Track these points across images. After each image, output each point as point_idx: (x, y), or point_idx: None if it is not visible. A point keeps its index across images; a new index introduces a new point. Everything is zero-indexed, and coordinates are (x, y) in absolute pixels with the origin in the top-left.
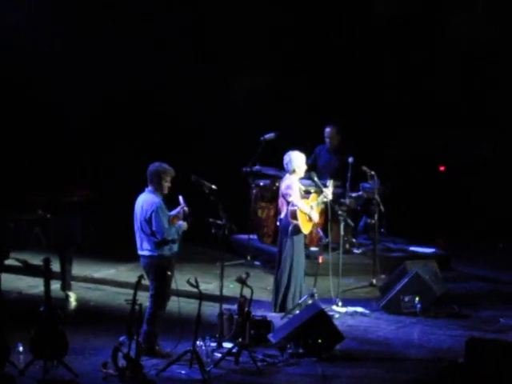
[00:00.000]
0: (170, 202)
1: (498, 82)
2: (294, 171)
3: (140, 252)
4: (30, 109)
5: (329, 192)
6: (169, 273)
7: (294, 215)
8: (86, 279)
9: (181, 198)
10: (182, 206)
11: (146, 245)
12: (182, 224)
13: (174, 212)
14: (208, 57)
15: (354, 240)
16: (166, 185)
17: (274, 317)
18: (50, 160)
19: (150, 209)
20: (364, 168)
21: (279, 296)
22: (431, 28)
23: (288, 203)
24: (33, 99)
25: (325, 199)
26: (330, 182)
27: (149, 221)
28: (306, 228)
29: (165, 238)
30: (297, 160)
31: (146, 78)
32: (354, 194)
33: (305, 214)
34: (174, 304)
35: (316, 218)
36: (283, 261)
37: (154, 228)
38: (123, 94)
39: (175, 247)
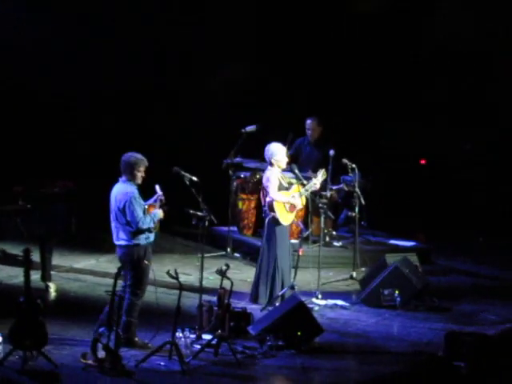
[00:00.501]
0: (146, 191)
1: (480, 77)
2: (274, 163)
3: (116, 242)
4: (11, 100)
5: (317, 182)
6: (146, 262)
7: (271, 207)
8: (66, 270)
9: (157, 186)
10: (159, 195)
11: (121, 234)
12: (158, 212)
13: (150, 201)
14: (187, 47)
15: (334, 233)
16: (140, 175)
17: (254, 309)
18: (31, 151)
19: (123, 199)
20: (345, 161)
21: (259, 288)
22: (417, 22)
23: (267, 195)
24: (14, 90)
25: (313, 188)
26: (321, 173)
27: (123, 211)
28: (284, 220)
29: (140, 228)
30: (277, 152)
31: (124, 72)
32: (334, 187)
33: (283, 204)
34: (153, 295)
35: (298, 203)
36: (265, 252)
37: (128, 218)
38: (111, 87)
39: (152, 236)
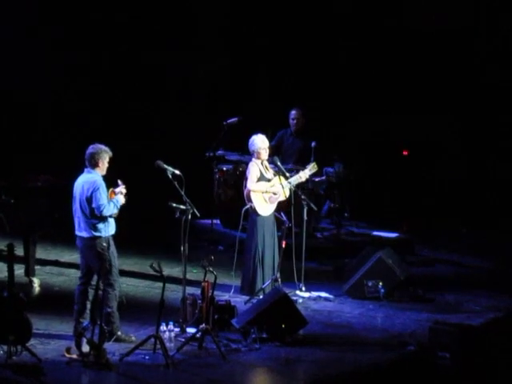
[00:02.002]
0: (109, 184)
1: (460, 66)
2: (255, 154)
3: (78, 233)
4: None
5: (303, 175)
6: (109, 247)
7: (248, 197)
8: (49, 264)
9: (119, 181)
10: (121, 188)
11: (84, 226)
12: (119, 198)
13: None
14: (168, 39)
15: (317, 224)
16: (105, 166)
17: (238, 301)
18: (12, 145)
19: (91, 187)
20: (328, 154)
21: (244, 279)
22: (394, 10)
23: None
24: None
25: (298, 181)
26: (310, 166)
27: (89, 199)
28: (263, 210)
29: (103, 214)
30: (258, 143)
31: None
32: (317, 179)
33: (261, 194)
34: (137, 289)
35: (279, 190)
36: (246, 244)
37: (93, 205)
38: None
39: (113, 228)
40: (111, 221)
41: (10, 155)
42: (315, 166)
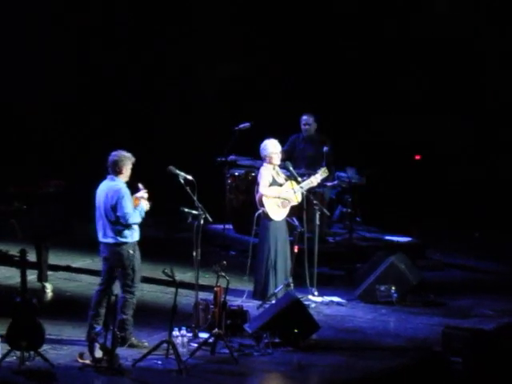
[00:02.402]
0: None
1: (475, 70)
2: (267, 159)
3: (103, 240)
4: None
5: (315, 180)
6: (134, 254)
7: (260, 202)
8: (62, 269)
9: (140, 185)
10: (142, 193)
11: (109, 232)
12: (144, 205)
13: (135, 195)
14: (178, 44)
15: (328, 229)
16: (128, 173)
17: (250, 306)
18: (24, 152)
19: (116, 195)
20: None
21: (257, 284)
22: (405, 14)
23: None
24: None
25: (309, 185)
26: (321, 171)
27: (114, 207)
28: (275, 215)
29: (129, 222)
30: (270, 148)
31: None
32: (329, 184)
33: (273, 199)
34: (149, 294)
35: (291, 196)
36: (258, 249)
37: (118, 213)
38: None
39: (137, 234)
40: (136, 227)
41: (22, 161)
42: (326, 170)
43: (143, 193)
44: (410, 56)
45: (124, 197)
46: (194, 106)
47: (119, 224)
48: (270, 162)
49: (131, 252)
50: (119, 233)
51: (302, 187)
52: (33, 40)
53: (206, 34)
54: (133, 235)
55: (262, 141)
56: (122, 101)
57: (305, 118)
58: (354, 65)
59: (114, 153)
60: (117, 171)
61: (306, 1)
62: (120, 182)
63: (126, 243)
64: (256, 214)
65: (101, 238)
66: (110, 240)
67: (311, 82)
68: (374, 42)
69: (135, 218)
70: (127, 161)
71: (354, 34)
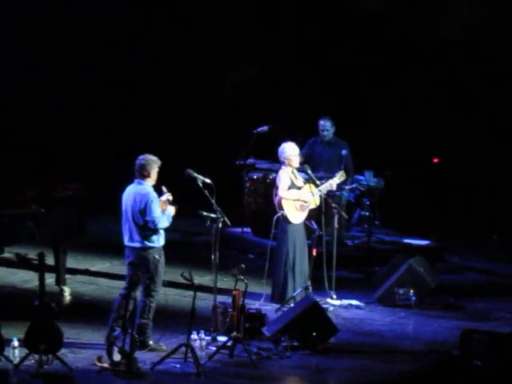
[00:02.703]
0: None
1: (493, 73)
2: (286, 162)
3: (130, 244)
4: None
5: (334, 183)
6: (160, 259)
7: (279, 205)
8: (80, 273)
9: (164, 188)
10: (166, 195)
11: (136, 237)
12: (171, 209)
13: (161, 199)
14: (197, 48)
15: (347, 233)
16: (155, 176)
17: (269, 310)
18: (43, 154)
19: (144, 199)
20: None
21: (275, 288)
22: (421, 16)
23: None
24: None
25: (328, 188)
26: (338, 174)
27: (143, 211)
28: (294, 218)
29: (158, 227)
30: (289, 151)
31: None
32: (347, 187)
33: (292, 202)
34: (167, 297)
35: (309, 199)
36: (277, 252)
37: (148, 217)
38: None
39: (163, 239)
40: (163, 232)
41: (41, 164)
42: (343, 174)
43: (168, 196)
44: (427, 58)
45: (153, 201)
46: (212, 108)
47: (147, 228)
48: (289, 165)
49: (157, 257)
50: (146, 237)
51: (320, 190)
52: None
53: (226, 36)
54: (159, 240)
55: (280, 144)
56: (141, 102)
57: (321, 123)
58: (373, 68)
59: (141, 156)
60: (144, 175)
61: (329, 2)
62: (148, 186)
63: (152, 248)
64: (275, 217)
65: (126, 242)
66: (136, 244)
67: (329, 85)
68: (391, 45)
69: (164, 222)
70: (154, 164)
71: (374, 36)
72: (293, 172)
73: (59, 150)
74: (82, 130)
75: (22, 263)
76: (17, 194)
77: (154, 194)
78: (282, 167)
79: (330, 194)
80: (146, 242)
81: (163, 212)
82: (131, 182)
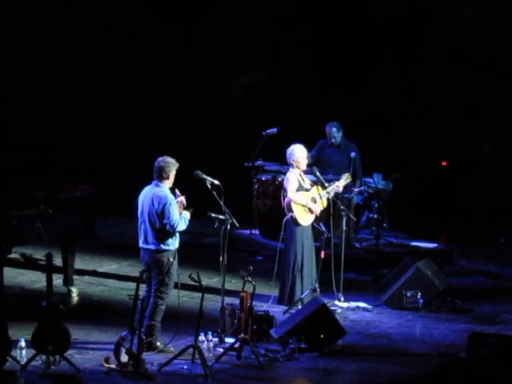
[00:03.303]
0: None
1: (497, 75)
2: (294, 164)
3: (144, 246)
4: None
5: (340, 185)
6: (174, 262)
7: (289, 207)
8: (88, 274)
9: (177, 190)
10: (180, 198)
11: (151, 239)
12: (186, 213)
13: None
14: (206, 50)
15: (355, 235)
16: (172, 178)
17: (276, 312)
18: (51, 155)
19: (162, 202)
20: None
21: (283, 289)
22: (430, 21)
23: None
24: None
25: (335, 190)
26: (344, 176)
27: (161, 214)
28: (303, 220)
29: (176, 229)
30: (298, 153)
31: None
32: (356, 189)
33: (301, 205)
34: (175, 299)
35: (316, 208)
36: (285, 254)
37: (165, 220)
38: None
39: (177, 241)
40: (178, 234)
41: (49, 165)
42: (349, 176)
43: (181, 198)
44: (437, 60)
45: (171, 204)
46: (221, 110)
47: (164, 231)
48: (297, 167)
49: (171, 260)
50: (162, 240)
51: (328, 192)
52: None
53: (234, 38)
54: (174, 243)
55: (289, 146)
56: (152, 104)
57: (328, 128)
58: (381, 71)
59: (159, 158)
60: (163, 177)
61: (341, 3)
62: (165, 189)
63: (167, 250)
64: (284, 219)
65: (141, 244)
66: (151, 246)
67: (339, 87)
68: (402, 48)
69: (182, 225)
70: (172, 167)
71: (384, 37)
72: (300, 174)
73: (67, 150)
74: (92, 131)
75: (28, 264)
76: (25, 194)
77: (171, 197)
78: (290, 169)
79: (338, 196)
80: (161, 245)
81: (180, 215)
82: (140, 183)
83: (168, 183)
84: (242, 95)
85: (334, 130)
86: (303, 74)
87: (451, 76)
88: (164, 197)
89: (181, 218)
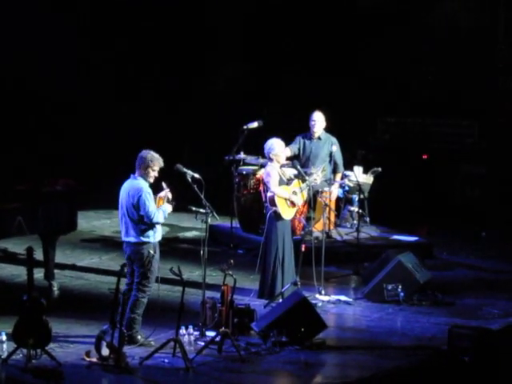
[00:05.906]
0: (153, 190)
1: (476, 70)
2: (273, 158)
3: (125, 239)
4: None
5: (317, 177)
6: (155, 255)
7: (272, 201)
8: (69, 268)
9: (164, 183)
10: (166, 191)
11: (131, 232)
12: (167, 206)
13: (159, 194)
14: (189, 44)
15: (336, 228)
16: (153, 174)
17: (258, 305)
18: (32, 149)
19: (137, 194)
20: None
21: (264, 283)
22: (416, 14)
23: (268, 190)
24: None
25: (313, 183)
26: (320, 168)
27: (137, 206)
28: (286, 214)
29: (153, 221)
30: (276, 147)
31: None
32: (337, 183)
33: (284, 199)
34: (156, 293)
35: (298, 201)
36: (266, 248)
37: (142, 212)
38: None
39: (159, 234)
40: (159, 227)
41: (29, 159)
42: (325, 168)
43: (166, 192)
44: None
45: (146, 196)
46: (203, 105)
47: (142, 223)
48: (277, 161)
49: (152, 252)
50: (141, 232)
51: (307, 185)
52: None
53: (217, 32)
54: (155, 235)
55: (267, 139)
56: (136, 99)
57: (313, 115)
58: (364, 65)
59: (144, 151)
60: (142, 170)
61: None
62: (142, 181)
63: (147, 243)
64: (268, 214)
65: (123, 237)
66: (131, 239)
67: (320, 80)
68: (382, 43)
69: (159, 217)
70: (155, 161)
71: (369, 32)
72: (280, 168)
73: (50, 143)
74: (74, 124)
75: (8, 258)
76: (6, 188)
77: (146, 189)
78: (269, 163)
79: (320, 190)
80: (141, 237)
81: (159, 207)
82: (123, 176)
83: (147, 177)
84: (223, 87)
85: (320, 117)
86: (286, 65)
87: (434, 70)
88: (139, 189)
89: (158, 211)
